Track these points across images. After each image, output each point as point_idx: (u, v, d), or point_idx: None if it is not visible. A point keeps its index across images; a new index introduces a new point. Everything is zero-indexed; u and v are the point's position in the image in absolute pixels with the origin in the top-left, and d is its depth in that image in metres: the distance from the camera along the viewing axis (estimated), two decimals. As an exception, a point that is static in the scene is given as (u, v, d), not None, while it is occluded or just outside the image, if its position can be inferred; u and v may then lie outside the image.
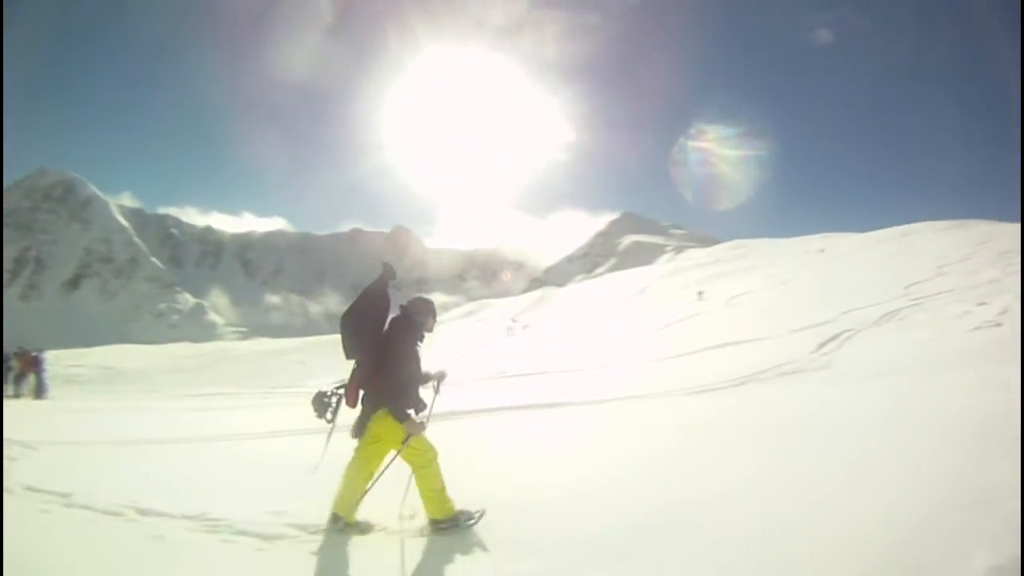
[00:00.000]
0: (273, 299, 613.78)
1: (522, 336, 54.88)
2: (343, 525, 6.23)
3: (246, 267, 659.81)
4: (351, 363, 6.58)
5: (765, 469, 7.37)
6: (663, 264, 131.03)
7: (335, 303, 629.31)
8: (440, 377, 6.99)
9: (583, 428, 11.47)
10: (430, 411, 6.71)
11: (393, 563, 5.75)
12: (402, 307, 6.68)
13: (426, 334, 6.76)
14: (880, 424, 8.91)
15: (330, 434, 6.59)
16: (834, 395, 11.97)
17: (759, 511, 5.99)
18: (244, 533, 6.27)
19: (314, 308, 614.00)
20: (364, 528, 6.30)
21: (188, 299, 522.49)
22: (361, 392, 6.55)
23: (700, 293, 51.79)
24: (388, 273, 6.57)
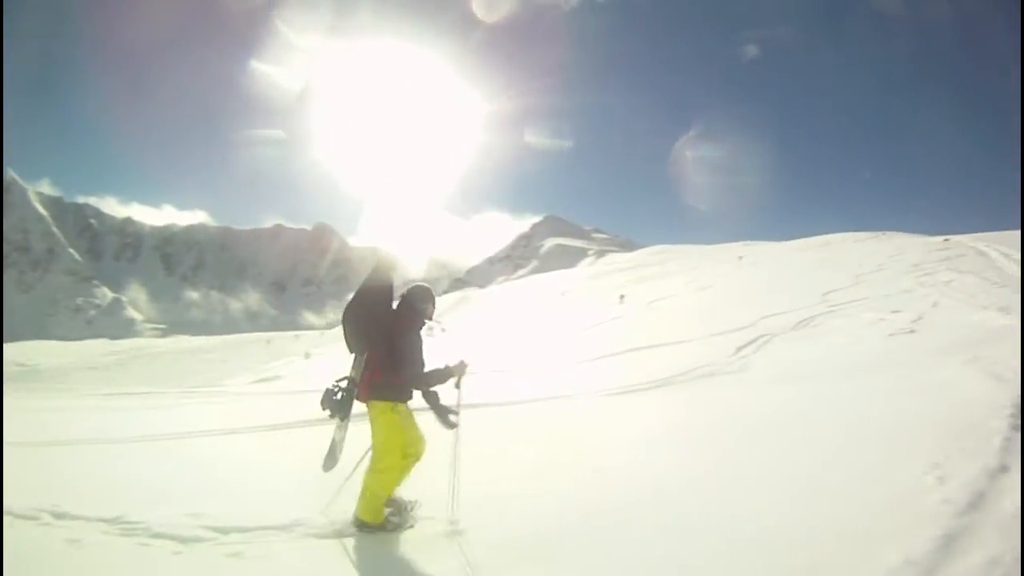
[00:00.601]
0: (193, 295, 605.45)
1: (442, 337, 54.96)
2: (369, 526, 6.17)
3: (166, 261, 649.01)
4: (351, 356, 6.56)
5: (684, 470, 7.49)
6: (585, 267, 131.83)
7: (255, 300, 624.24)
8: (461, 370, 6.65)
9: (504, 428, 11.36)
10: (459, 404, 6.69)
11: (311, 563, 5.66)
12: (403, 296, 6.65)
13: (427, 321, 6.72)
14: (793, 426, 9.17)
15: (344, 431, 6.54)
16: (749, 397, 12.11)
17: (677, 511, 6.12)
18: (161, 536, 6.09)
19: (234, 305, 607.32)
20: (384, 527, 6.20)
21: (106, 293, 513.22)
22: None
23: (622, 296, 52.30)
24: (387, 263, 6.68)
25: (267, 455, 6.62)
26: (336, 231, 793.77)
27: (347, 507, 6.28)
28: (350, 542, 6.04)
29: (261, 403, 18.78)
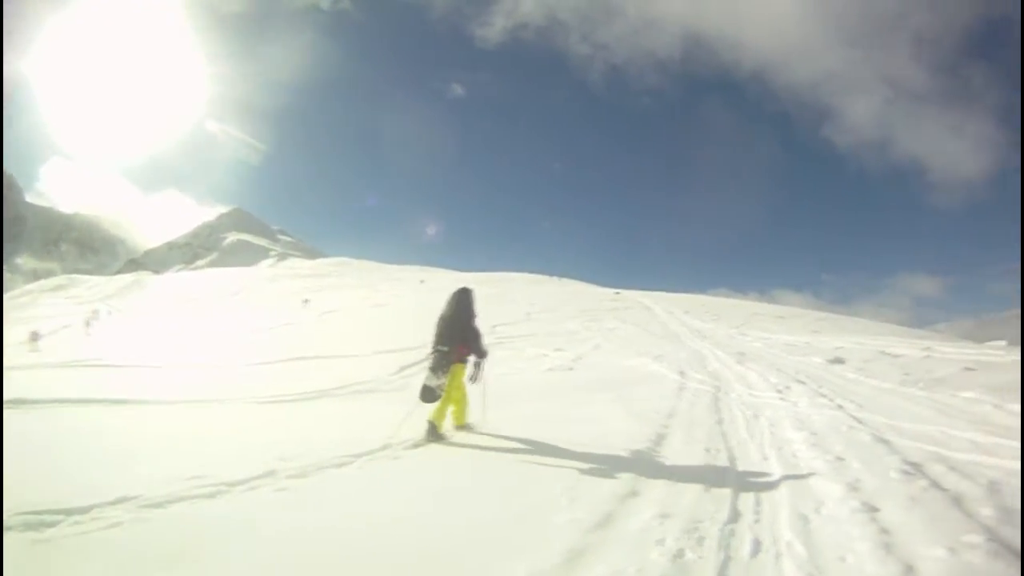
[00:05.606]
0: None
1: (109, 322, 52.45)
2: (435, 431, 9.48)
3: None
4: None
5: (315, 484, 7.18)
6: (264, 268, 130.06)
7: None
8: (487, 350, 10.72)
9: (144, 430, 10.48)
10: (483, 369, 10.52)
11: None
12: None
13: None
14: (435, 448, 9.17)
15: (443, 380, 9.88)
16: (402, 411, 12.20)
17: (295, 525, 5.76)
18: None
19: None
20: (440, 437, 9.49)
21: None
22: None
23: (306, 301, 52.18)
24: (471, 297, 10.59)
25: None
26: (16, 183, 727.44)
27: None
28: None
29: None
